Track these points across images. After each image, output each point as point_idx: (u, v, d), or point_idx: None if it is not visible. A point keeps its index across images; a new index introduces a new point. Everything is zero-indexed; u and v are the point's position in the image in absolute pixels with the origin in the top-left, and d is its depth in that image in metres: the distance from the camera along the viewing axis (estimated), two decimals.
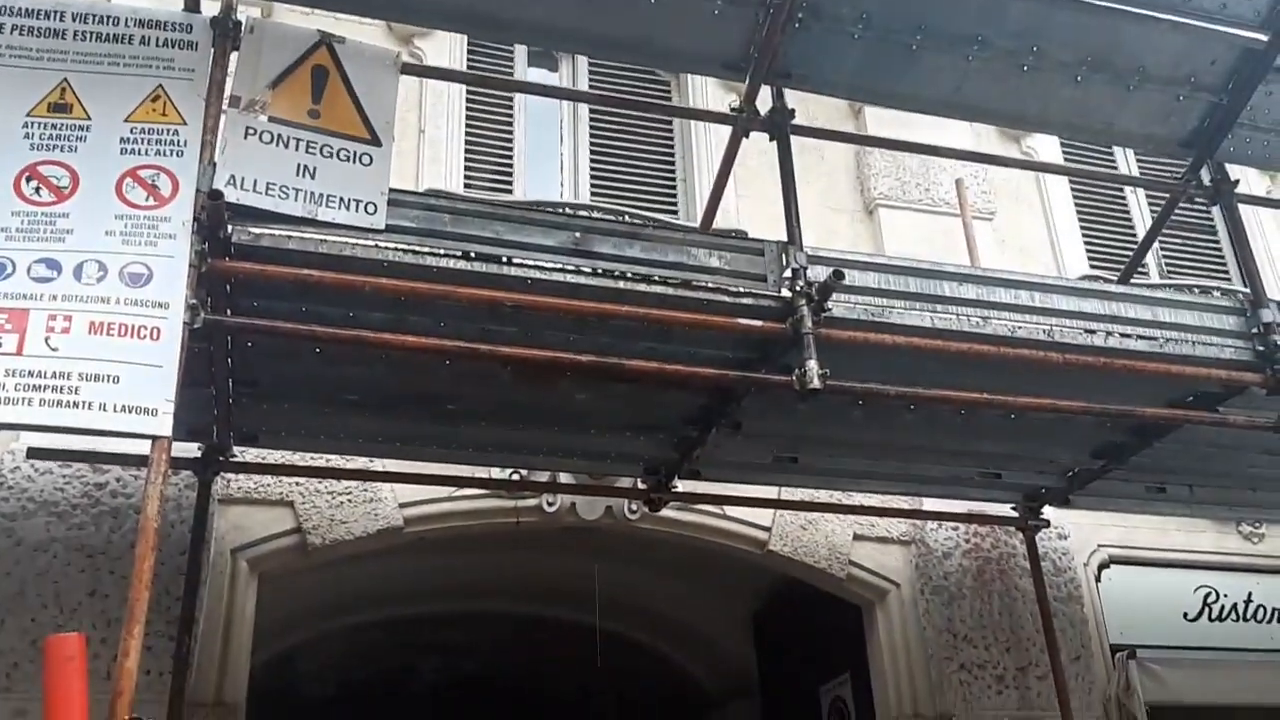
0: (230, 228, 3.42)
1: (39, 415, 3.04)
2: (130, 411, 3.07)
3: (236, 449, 4.74)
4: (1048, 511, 5.59)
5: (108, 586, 4.63)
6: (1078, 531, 6.10)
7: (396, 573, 7.03)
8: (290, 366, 4.07)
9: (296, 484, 5.19)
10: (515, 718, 10.92)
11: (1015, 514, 5.59)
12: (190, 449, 4.64)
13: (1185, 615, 6.17)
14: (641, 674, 9.02)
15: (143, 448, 3.17)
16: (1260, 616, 6.21)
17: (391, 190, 3.69)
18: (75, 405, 3.05)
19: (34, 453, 4.65)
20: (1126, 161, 7.49)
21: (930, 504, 5.77)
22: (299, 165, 3.58)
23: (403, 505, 5.33)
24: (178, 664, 4.54)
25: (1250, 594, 6.24)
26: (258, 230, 3.48)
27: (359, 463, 5.12)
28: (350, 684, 9.88)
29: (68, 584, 4.65)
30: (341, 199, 3.59)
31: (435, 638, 9.07)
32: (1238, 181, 5.02)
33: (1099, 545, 6.16)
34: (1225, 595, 6.21)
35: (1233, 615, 6.18)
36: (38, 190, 3.31)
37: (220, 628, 4.91)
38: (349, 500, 5.26)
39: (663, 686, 8.86)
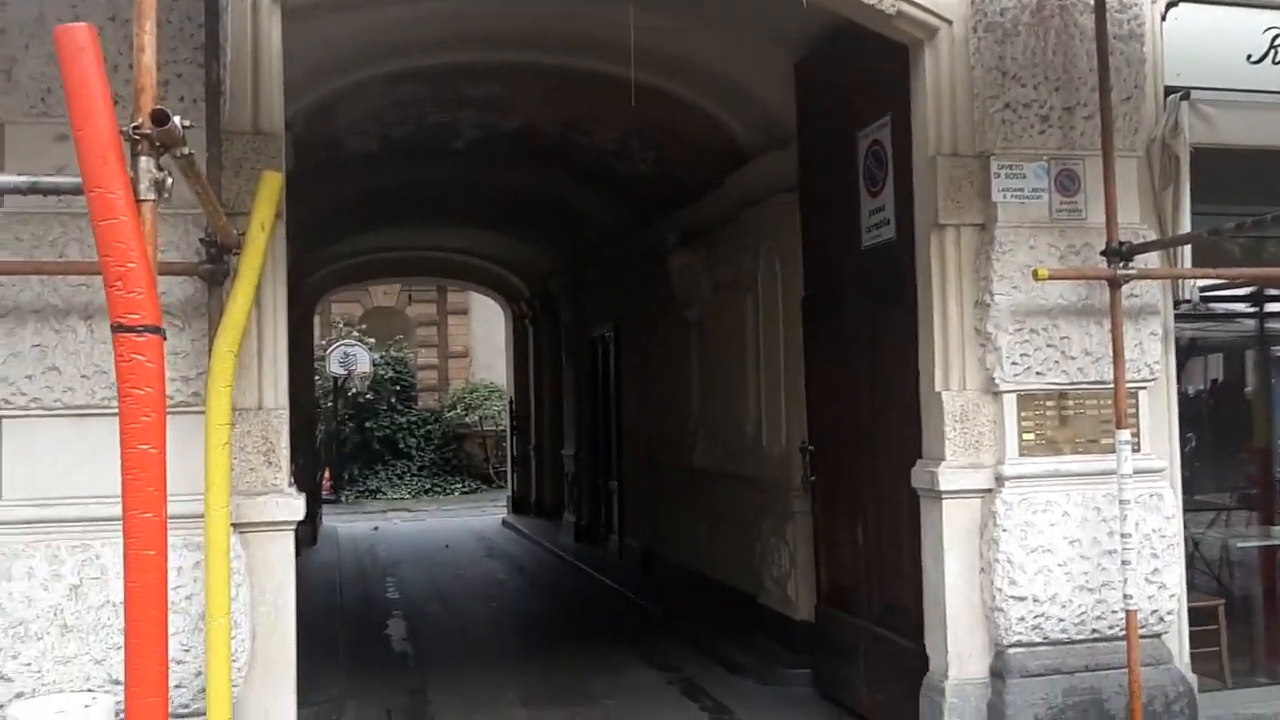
0: None
1: None
2: None
3: None
4: None
5: (126, 11, 4.48)
6: None
7: (425, 16, 6.81)
8: None
9: None
10: (555, 173, 11.19)
11: None
12: None
13: (1249, 58, 5.89)
14: (678, 129, 9.02)
15: None
16: None
17: None
18: None
19: None
20: None
21: None
22: None
23: None
24: (209, 91, 4.53)
25: None
26: None
27: None
28: (393, 139, 10.01)
29: (85, 8, 4.51)
30: None
31: (474, 91, 9.01)
32: None
33: None
34: None
35: None
36: None
37: (248, 58, 4.83)
38: None
39: (699, 140, 8.89)
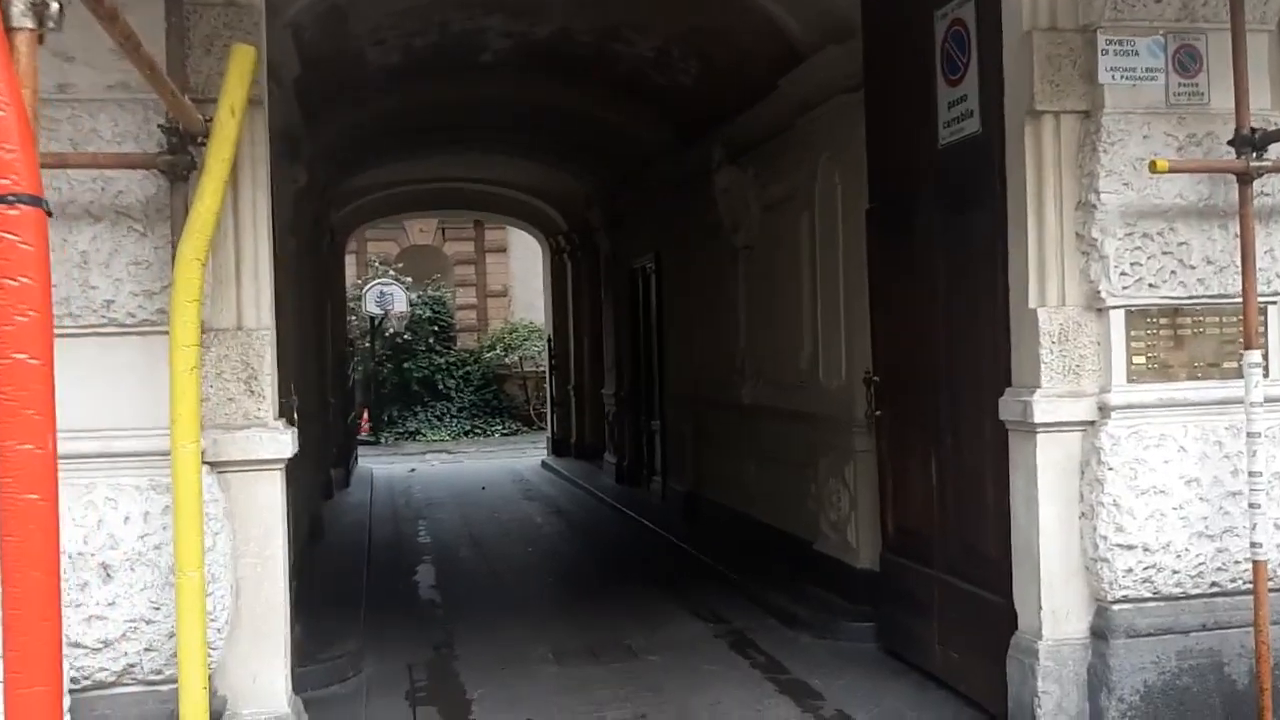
0: None
1: None
2: None
3: None
4: None
5: None
6: None
7: None
8: None
9: None
10: (591, 87, 10.39)
11: None
12: None
13: None
14: (725, 31, 8.19)
15: None
16: None
17: None
18: None
19: None
20: None
21: None
22: None
23: None
24: None
25: None
26: None
27: None
28: (415, 50, 9.25)
29: None
30: None
31: None
32: None
33: None
34: None
35: None
36: None
37: None
38: None
39: (748, 43, 8.04)
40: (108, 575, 3.82)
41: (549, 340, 19.08)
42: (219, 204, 3.75)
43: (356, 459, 17.08)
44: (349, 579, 8.33)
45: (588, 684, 5.86)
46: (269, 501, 4.12)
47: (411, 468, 18.27)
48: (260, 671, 4.11)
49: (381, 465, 18.20)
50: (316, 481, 10.45)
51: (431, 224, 26.96)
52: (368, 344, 25.03)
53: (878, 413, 6.33)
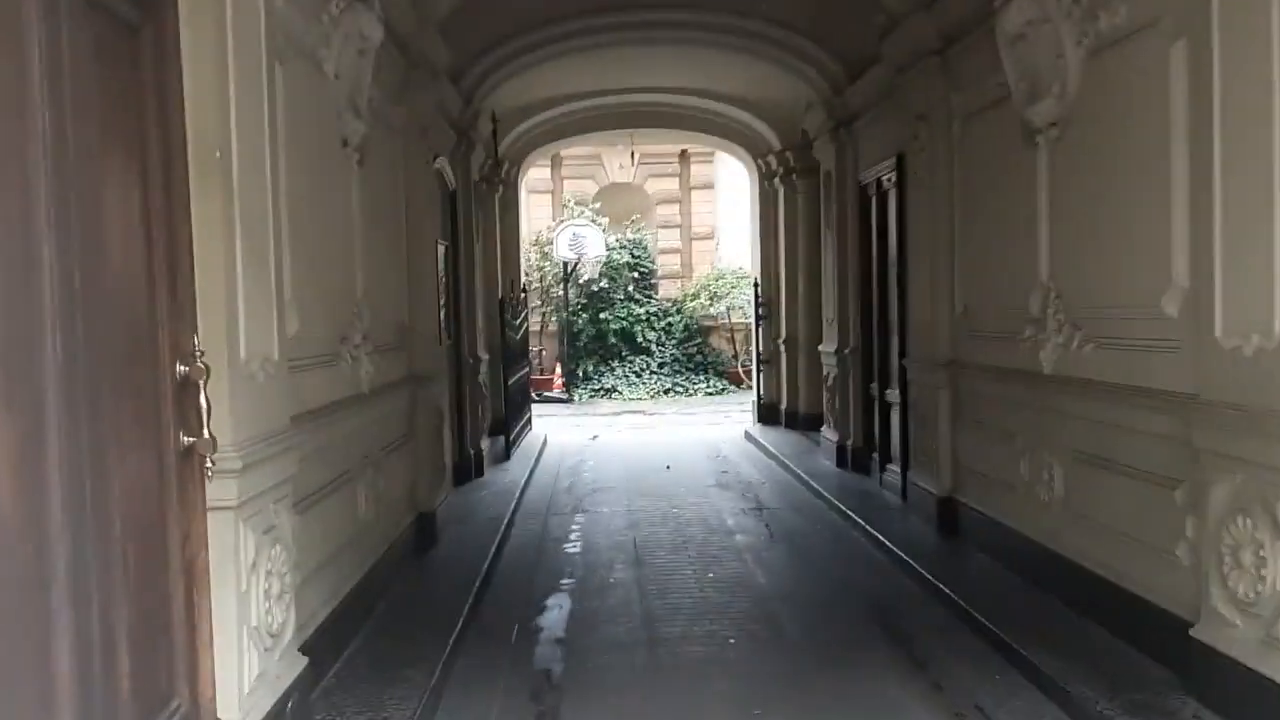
0: None
1: None
2: None
3: None
4: None
5: None
6: None
7: None
8: None
9: None
10: None
11: None
12: None
13: None
14: None
15: None
16: None
17: None
18: None
19: None
20: None
21: None
22: None
23: None
24: None
25: None
26: None
27: None
28: None
29: None
30: None
31: None
32: None
33: None
34: None
35: None
36: None
37: None
38: None
39: None
40: None
41: (755, 284, 16.02)
42: None
43: (529, 423, 14.62)
44: (438, 622, 5.66)
45: None
46: None
47: (594, 435, 15.66)
48: None
49: (568, 428, 15.71)
50: (433, 467, 7.84)
51: (631, 159, 24.23)
52: (560, 292, 22.66)
53: None
